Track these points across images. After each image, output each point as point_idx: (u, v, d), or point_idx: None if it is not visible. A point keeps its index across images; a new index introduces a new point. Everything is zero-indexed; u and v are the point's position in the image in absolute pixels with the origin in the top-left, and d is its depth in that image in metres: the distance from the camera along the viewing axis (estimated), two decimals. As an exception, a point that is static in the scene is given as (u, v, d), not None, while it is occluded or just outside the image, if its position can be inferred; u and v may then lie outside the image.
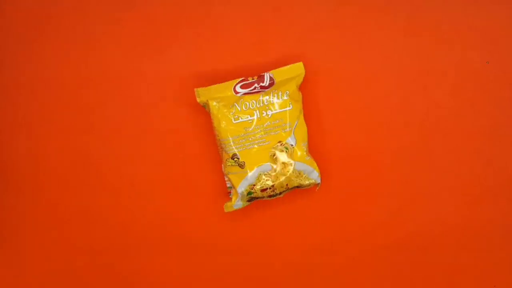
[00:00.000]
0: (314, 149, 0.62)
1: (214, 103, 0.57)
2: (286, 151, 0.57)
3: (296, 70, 0.58)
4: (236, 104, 0.57)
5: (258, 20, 0.62)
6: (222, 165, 0.59)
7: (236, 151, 0.57)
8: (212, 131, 0.61)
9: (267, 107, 0.57)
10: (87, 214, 0.63)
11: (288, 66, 0.58)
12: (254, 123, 0.57)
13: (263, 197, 0.58)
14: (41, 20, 0.62)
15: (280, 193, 0.59)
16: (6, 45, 0.62)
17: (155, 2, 0.62)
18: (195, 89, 0.58)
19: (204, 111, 0.62)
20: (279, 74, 0.58)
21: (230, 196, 0.60)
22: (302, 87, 0.61)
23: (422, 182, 0.62)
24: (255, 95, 0.57)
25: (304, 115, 0.60)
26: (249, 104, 0.57)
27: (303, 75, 0.58)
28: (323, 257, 0.63)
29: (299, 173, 0.58)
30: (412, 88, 0.62)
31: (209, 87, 0.58)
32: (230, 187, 0.59)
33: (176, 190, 0.63)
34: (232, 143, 0.57)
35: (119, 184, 0.63)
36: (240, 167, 0.57)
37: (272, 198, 0.59)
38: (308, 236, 0.63)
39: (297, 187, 0.59)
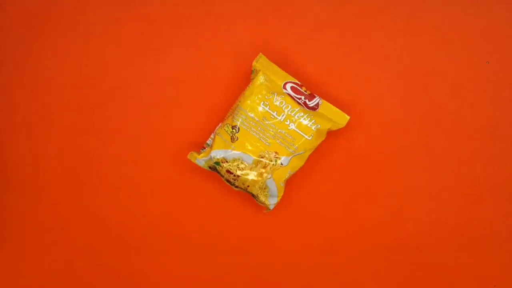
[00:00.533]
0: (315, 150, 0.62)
1: (262, 78, 0.57)
2: (274, 163, 0.57)
3: (340, 118, 0.58)
4: (275, 95, 0.57)
5: (259, 20, 0.62)
6: (219, 124, 0.59)
7: (241, 125, 0.57)
8: (214, 128, 0.61)
9: (294, 119, 0.57)
10: (87, 214, 0.63)
11: (338, 110, 0.58)
12: (274, 121, 0.57)
13: (222, 176, 0.58)
14: (41, 20, 0.62)
15: (236, 186, 0.58)
16: (6, 45, 0.62)
17: (155, 2, 0.62)
18: (260, 53, 0.58)
19: (205, 111, 0.62)
20: (325, 107, 0.58)
21: (201, 151, 0.59)
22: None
23: (422, 182, 0.62)
24: (295, 103, 0.57)
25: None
26: (284, 104, 0.57)
27: (341, 126, 0.58)
28: (323, 257, 0.63)
29: (264, 188, 0.58)
30: (412, 88, 0.62)
31: (272, 63, 0.58)
32: (207, 145, 0.59)
33: (176, 190, 0.63)
34: (244, 117, 0.56)
35: (119, 184, 0.63)
36: (231, 139, 0.57)
37: (227, 183, 0.59)
38: (308, 236, 0.63)
39: (253, 195, 0.59)
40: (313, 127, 0.57)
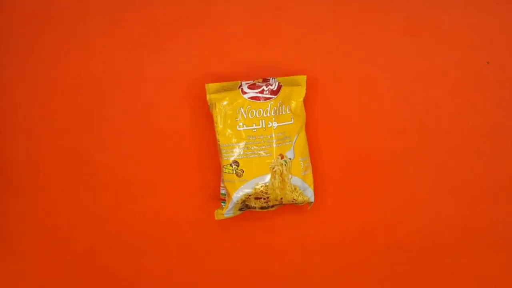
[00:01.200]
0: (313, 147, 0.62)
1: (221, 107, 0.56)
2: (285, 165, 0.57)
3: (299, 81, 0.58)
4: (242, 110, 0.56)
5: (259, 20, 0.61)
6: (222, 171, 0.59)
7: (236, 158, 0.56)
8: (213, 134, 0.61)
9: (273, 118, 0.56)
10: (87, 214, 0.63)
11: (293, 77, 0.58)
12: (259, 132, 0.56)
13: (255, 207, 0.58)
14: (41, 20, 0.62)
15: (273, 206, 0.58)
16: (6, 45, 0.62)
17: (155, 2, 0.62)
18: (206, 84, 0.57)
19: (204, 111, 0.61)
20: (285, 81, 0.58)
21: (222, 204, 0.59)
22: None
23: (422, 182, 0.62)
24: (263, 103, 0.56)
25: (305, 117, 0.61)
26: (255, 112, 0.56)
27: (304, 89, 0.58)
28: (323, 257, 0.63)
29: (294, 188, 0.57)
30: (413, 88, 0.62)
31: (219, 83, 0.57)
32: (224, 194, 0.59)
33: (176, 191, 0.63)
34: (234, 150, 0.56)
35: (119, 185, 0.63)
36: (237, 175, 0.56)
37: (264, 210, 0.59)
38: (308, 236, 0.63)
39: (292, 203, 0.58)
40: (287, 111, 0.57)
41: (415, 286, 0.63)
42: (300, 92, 0.58)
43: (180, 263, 0.63)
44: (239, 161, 0.56)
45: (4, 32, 0.62)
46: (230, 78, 0.61)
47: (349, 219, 0.63)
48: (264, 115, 0.56)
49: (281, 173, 0.57)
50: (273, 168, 0.56)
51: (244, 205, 0.58)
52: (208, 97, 0.57)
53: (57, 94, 0.62)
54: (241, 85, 0.57)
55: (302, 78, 0.59)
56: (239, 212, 0.59)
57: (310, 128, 0.61)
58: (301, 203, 0.59)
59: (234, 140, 0.56)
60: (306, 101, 0.61)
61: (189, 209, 0.63)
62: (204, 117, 0.62)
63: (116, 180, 0.62)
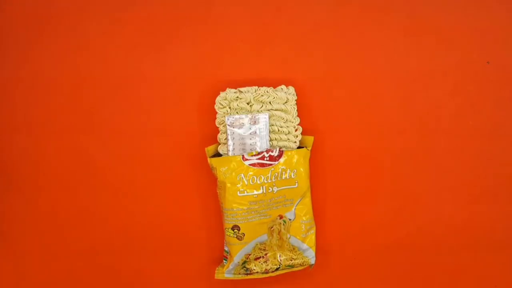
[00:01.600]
0: (313, 147, 0.62)
1: (222, 169, 0.56)
2: (284, 224, 0.57)
3: (306, 142, 0.59)
4: (243, 177, 0.56)
5: (258, 20, 0.61)
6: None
7: (236, 223, 0.56)
8: (214, 133, 0.61)
9: (273, 184, 0.56)
10: (87, 214, 0.63)
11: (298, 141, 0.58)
12: (260, 197, 0.56)
13: (256, 271, 0.58)
14: (41, 20, 0.62)
15: (277, 269, 0.58)
16: (6, 45, 0.62)
17: (155, 2, 0.62)
18: (206, 148, 0.57)
19: (205, 111, 0.62)
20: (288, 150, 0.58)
21: (224, 261, 0.60)
22: (299, 88, 0.61)
23: (423, 182, 0.62)
24: (264, 169, 0.56)
25: (303, 117, 0.61)
26: (256, 179, 0.56)
27: (310, 150, 0.58)
28: (323, 257, 0.63)
29: (293, 248, 0.58)
30: (413, 88, 0.62)
31: (219, 157, 0.57)
32: (227, 252, 0.59)
33: (176, 191, 0.63)
34: (234, 215, 0.56)
35: (119, 185, 0.63)
36: (238, 239, 0.57)
37: (265, 275, 0.59)
38: (308, 236, 0.63)
39: (290, 266, 0.59)
40: (292, 175, 0.57)
41: (415, 286, 0.63)
42: (305, 156, 0.58)
43: (180, 263, 0.63)
44: (240, 225, 0.56)
45: (4, 32, 0.62)
46: (230, 78, 0.61)
47: (349, 219, 0.63)
48: (265, 181, 0.56)
49: (279, 232, 0.57)
50: (271, 227, 0.57)
51: (245, 269, 0.58)
52: (208, 160, 0.57)
53: (57, 94, 0.62)
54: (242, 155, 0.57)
55: (309, 139, 0.59)
56: (239, 276, 0.59)
57: (309, 129, 0.61)
58: (300, 265, 0.59)
59: (235, 205, 0.56)
60: (305, 101, 0.61)
61: (189, 210, 0.63)
62: (204, 117, 0.62)
63: (116, 180, 0.62)
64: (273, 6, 0.61)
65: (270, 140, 0.59)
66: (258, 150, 0.57)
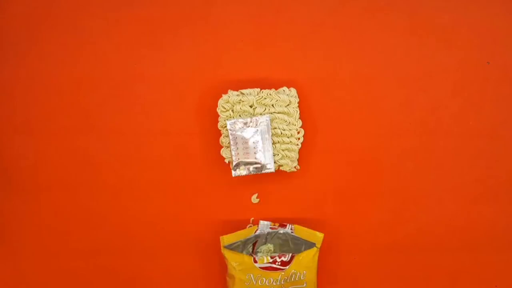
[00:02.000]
0: (314, 148, 0.62)
1: (234, 264, 0.57)
2: None
3: (315, 238, 0.58)
4: (252, 277, 0.57)
5: (258, 21, 0.61)
6: None
7: None
8: (216, 133, 0.61)
9: (282, 287, 0.57)
10: (87, 214, 0.63)
11: (309, 230, 0.58)
12: None
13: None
14: (41, 21, 0.62)
15: None
16: (6, 45, 0.62)
17: (155, 2, 0.62)
18: (221, 237, 0.58)
19: (205, 110, 0.62)
20: (300, 233, 0.58)
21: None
22: (299, 89, 0.61)
23: (423, 182, 0.62)
24: (274, 272, 0.57)
25: (304, 118, 0.61)
26: (265, 280, 0.57)
27: (319, 248, 0.58)
28: (323, 257, 0.63)
29: None
30: (413, 88, 0.62)
31: (230, 250, 0.58)
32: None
33: (176, 192, 0.63)
34: None
35: (119, 185, 0.63)
36: None
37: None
38: (308, 236, 0.63)
39: None
40: (301, 277, 0.57)
41: (415, 286, 0.63)
42: (315, 255, 0.58)
43: (180, 262, 0.63)
44: None
45: (4, 32, 0.62)
46: (230, 78, 0.61)
47: (349, 219, 0.63)
48: (274, 283, 0.57)
49: None
50: None
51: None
52: (222, 250, 0.58)
53: (57, 94, 0.62)
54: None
55: (319, 237, 0.59)
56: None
57: (310, 129, 0.61)
58: None
59: None
60: (306, 101, 0.61)
61: (190, 210, 0.63)
62: (205, 116, 0.62)
63: (116, 181, 0.62)
64: (274, 7, 0.61)
65: (273, 143, 0.58)
66: (260, 150, 0.57)
